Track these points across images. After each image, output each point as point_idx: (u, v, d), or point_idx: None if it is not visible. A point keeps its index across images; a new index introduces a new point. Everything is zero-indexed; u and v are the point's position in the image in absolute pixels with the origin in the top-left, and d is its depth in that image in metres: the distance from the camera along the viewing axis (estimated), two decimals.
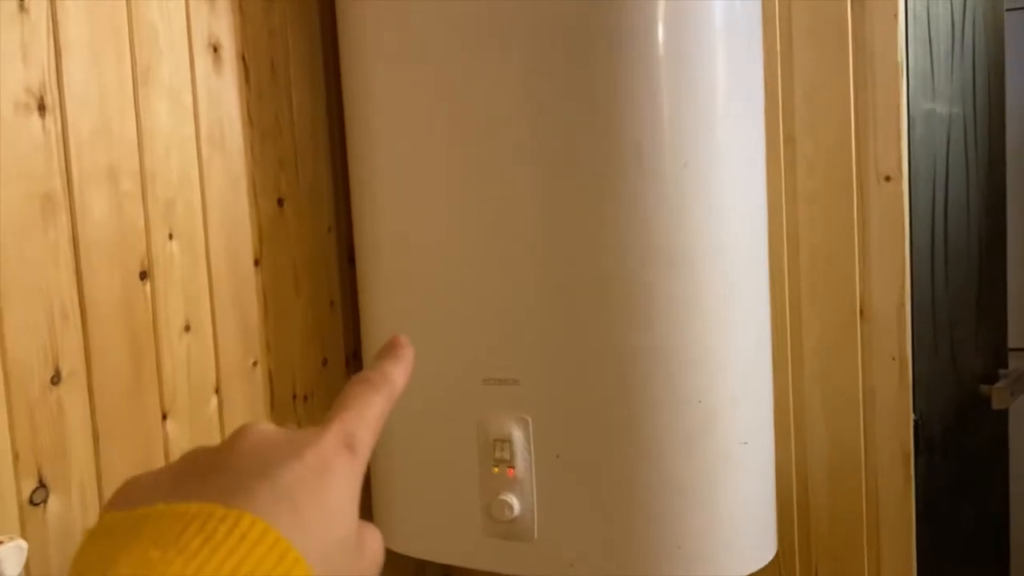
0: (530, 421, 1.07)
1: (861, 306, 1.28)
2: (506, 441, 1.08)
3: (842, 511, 1.31)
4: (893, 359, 1.27)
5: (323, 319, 1.29)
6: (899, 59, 1.24)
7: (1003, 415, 1.82)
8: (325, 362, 1.29)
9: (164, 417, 1.02)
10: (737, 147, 1.09)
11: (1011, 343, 1.89)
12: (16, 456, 0.86)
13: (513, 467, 1.08)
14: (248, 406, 1.15)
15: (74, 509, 0.92)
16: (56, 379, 0.90)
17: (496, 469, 1.09)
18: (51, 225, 0.90)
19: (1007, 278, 1.85)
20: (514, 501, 1.09)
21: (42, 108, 0.89)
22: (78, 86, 0.93)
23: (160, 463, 1.02)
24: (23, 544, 0.85)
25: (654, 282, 1.04)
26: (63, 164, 0.91)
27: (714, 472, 1.07)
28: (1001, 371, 1.78)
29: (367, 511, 1.32)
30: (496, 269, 1.09)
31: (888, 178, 1.25)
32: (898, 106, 1.25)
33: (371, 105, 1.18)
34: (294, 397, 1.23)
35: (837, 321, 1.29)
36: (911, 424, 1.28)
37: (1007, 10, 1.86)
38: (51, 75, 0.90)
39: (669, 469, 1.05)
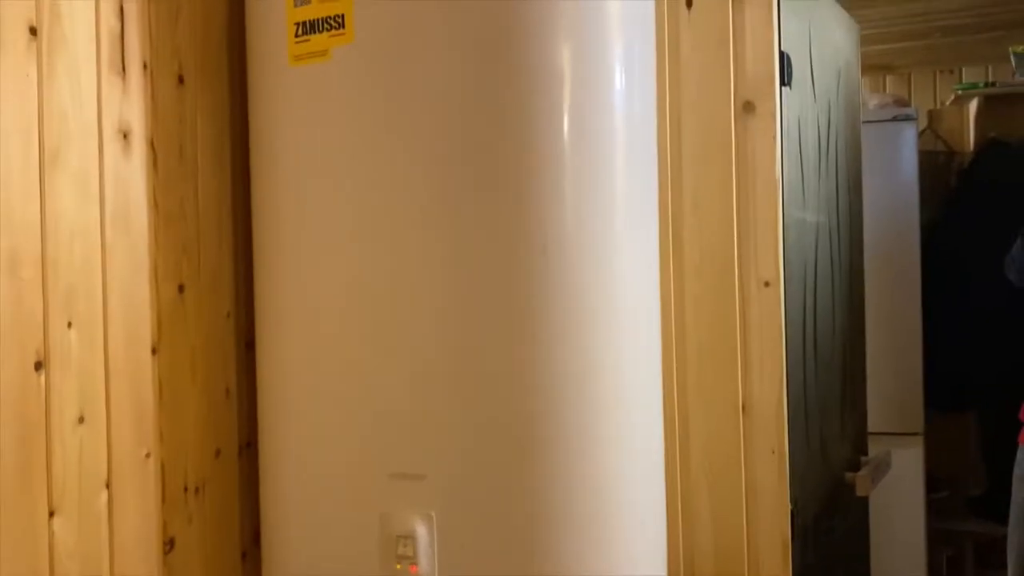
0: (435, 517, 1.08)
1: (743, 402, 1.36)
2: (410, 537, 1.08)
3: None
4: (772, 452, 1.35)
5: (218, 407, 1.26)
6: (776, 175, 1.36)
7: (864, 500, 1.95)
8: (218, 453, 1.26)
9: (51, 515, 0.97)
10: (634, 250, 1.16)
11: (870, 427, 2.05)
12: None
13: (416, 564, 1.08)
14: (139, 500, 1.10)
15: None
16: None
17: (399, 566, 1.08)
18: None
19: (867, 371, 2.01)
20: None
21: None
22: None
23: (45, 564, 0.96)
24: None
25: (559, 381, 1.08)
26: None
27: (612, 556, 1.11)
28: (863, 458, 1.91)
29: None
30: (402, 362, 1.11)
31: (767, 283, 1.36)
32: (776, 218, 1.36)
33: (278, 192, 1.19)
34: (185, 490, 1.19)
35: (721, 415, 1.37)
36: (788, 514, 1.36)
37: (863, 122, 2.07)
38: None
39: (571, 559, 1.08)
